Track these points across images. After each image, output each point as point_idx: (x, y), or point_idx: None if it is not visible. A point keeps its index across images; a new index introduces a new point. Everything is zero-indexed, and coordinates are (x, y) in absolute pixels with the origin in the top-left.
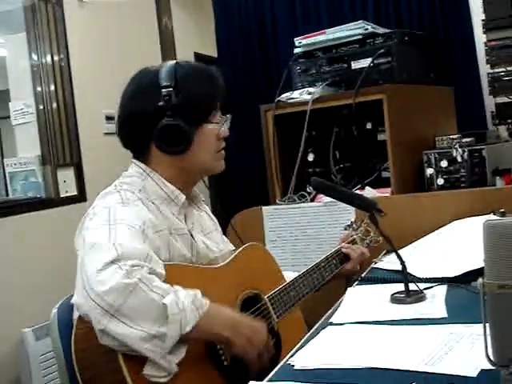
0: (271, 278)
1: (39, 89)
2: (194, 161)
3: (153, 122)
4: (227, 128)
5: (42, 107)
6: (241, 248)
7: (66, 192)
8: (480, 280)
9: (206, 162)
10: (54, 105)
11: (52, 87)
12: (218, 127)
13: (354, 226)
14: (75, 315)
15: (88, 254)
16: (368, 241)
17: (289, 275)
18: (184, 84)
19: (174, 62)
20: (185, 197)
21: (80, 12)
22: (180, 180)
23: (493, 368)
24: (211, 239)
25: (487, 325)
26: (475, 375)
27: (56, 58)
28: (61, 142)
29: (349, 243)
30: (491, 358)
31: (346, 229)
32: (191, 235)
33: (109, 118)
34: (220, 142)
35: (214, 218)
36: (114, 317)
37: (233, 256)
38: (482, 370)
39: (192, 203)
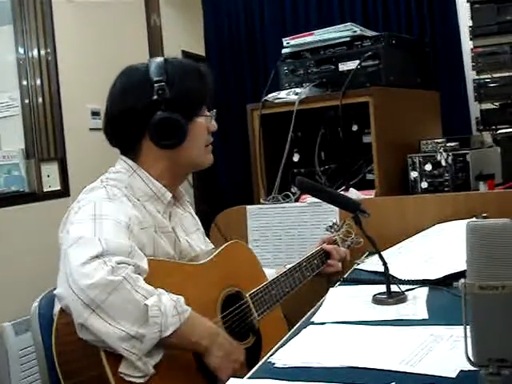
0: (253, 276)
1: (25, 82)
2: (186, 154)
3: (146, 116)
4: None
5: (27, 101)
6: (223, 245)
7: (50, 186)
8: (462, 281)
9: (196, 156)
10: (40, 99)
11: (38, 81)
12: (208, 121)
13: (336, 227)
14: (56, 309)
15: (72, 247)
16: (349, 242)
17: (269, 272)
18: (175, 78)
19: (162, 58)
20: (171, 195)
21: (68, 6)
22: (168, 176)
23: (472, 369)
24: (193, 239)
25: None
26: (454, 376)
27: (43, 52)
28: (45, 136)
29: (330, 244)
30: (471, 358)
31: (327, 230)
32: (175, 233)
33: (94, 114)
34: (209, 136)
35: (196, 218)
36: (95, 312)
37: (215, 253)
38: (461, 370)
39: (177, 203)
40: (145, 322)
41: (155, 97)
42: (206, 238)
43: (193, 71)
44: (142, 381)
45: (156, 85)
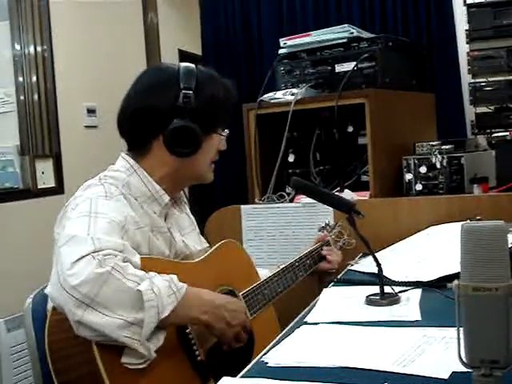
0: (246, 276)
1: (21, 79)
2: (193, 166)
3: (165, 119)
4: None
5: (22, 97)
6: (217, 245)
7: (44, 183)
8: (455, 282)
9: (202, 170)
10: (35, 96)
11: (34, 78)
12: (221, 139)
13: (328, 227)
14: (49, 305)
15: (65, 247)
16: (341, 243)
17: (263, 273)
18: (204, 90)
19: (194, 65)
20: (169, 198)
21: (65, 3)
22: (168, 182)
23: (464, 370)
24: (188, 239)
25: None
26: (446, 377)
27: (39, 48)
28: (40, 132)
29: (323, 244)
30: (464, 359)
31: (320, 230)
32: (171, 234)
33: (90, 111)
34: (217, 154)
35: (192, 218)
36: (90, 307)
37: (208, 252)
38: (453, 372)
39: (174, 204)
40: (141, 307)
41: (180, 103)
42: (202, 238)
43: (221, 87)
44: (144, 366)
45: (184, 91)
